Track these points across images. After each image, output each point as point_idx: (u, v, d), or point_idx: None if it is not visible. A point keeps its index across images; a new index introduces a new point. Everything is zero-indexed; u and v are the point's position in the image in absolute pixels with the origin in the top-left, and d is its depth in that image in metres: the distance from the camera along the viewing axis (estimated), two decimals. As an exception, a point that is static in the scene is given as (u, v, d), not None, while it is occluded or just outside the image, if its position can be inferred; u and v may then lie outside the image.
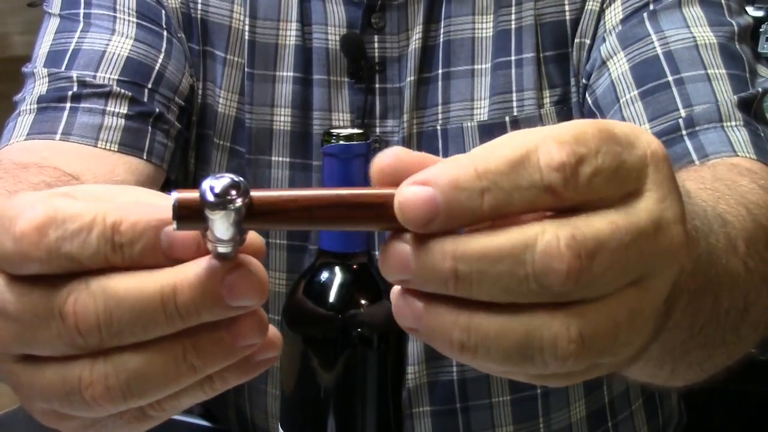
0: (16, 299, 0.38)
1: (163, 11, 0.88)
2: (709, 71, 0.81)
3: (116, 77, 0.83)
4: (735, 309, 0.55)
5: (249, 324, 0.39)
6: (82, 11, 0.87)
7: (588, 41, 0.88)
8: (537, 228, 0.36)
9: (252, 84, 0.89)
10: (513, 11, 0.88)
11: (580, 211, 0.37)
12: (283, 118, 0.89)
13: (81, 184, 0.65)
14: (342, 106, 0.89)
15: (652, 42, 0.84)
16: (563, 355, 0.36)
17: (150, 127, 0.84)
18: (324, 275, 0.57)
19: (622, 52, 0.84)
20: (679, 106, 0.80)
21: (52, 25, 0.88)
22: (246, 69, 0.89)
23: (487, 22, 0.88)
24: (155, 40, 0.87)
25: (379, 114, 0.89)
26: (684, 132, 0.79)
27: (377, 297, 0.57)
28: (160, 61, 0.86)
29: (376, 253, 0.54)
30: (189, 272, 0.37)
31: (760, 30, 1.86)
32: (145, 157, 0.83)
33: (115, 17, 0.87)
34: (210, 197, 0.35)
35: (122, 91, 0.83)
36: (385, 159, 0.38)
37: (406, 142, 0.88)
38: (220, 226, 0.36)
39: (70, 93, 0.82)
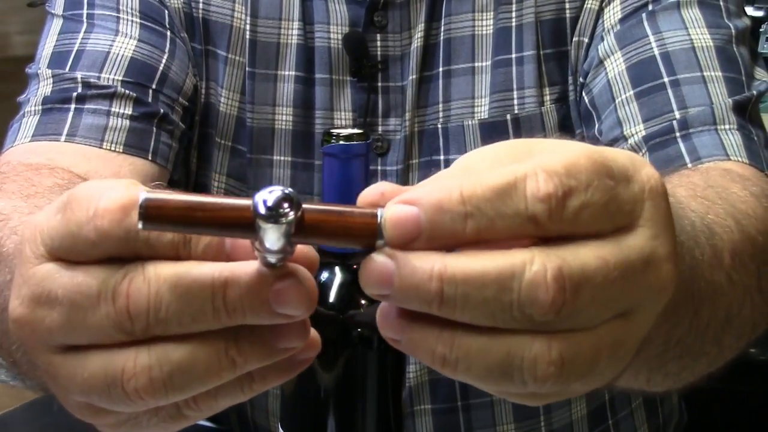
0: (69, 281, 0.38)
1: (166, 11, 0.88)
2: (705, 73, 0.81)
3: (120, 78, 0.84)
4: (716, 321, 0.55)
5: (291, 326, 0.39)
6: (85, 12, 0.87)
7: (586, 40, 0.88)
8: (526, 256, 0.36)
9: (253, 83, 0.89)
10: (513, 8, 0.88)
11: (570, 240, 0.37)
12: (284, 118, 0.89)
13: None
14: (344, 105, 0.89)
15: (650, 43, 0.83)
16: (542, 376, 0.36)
17: (155, 128, 0.84)
18: (324, 275, 0.57)
19: (619, 52, 0.84)
20: (674, 107, 0.80)
21: (55, 26, 0.88)
22: (247, 68, 0.89)
23: (487, 20, 0.88)
24: (159, 41, 0.87)
25: (382, 113, 0.89)
26: (678, 134, 0.79)
27: None
28: (163, 61, 0.86)
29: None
30: (242, 271, 0.37)
31: (760, 30, 1.86)
32: (150, 158, 0.83)
33: (118, 18, 0.87)
34: (262, 209, 0.36)
35: (126, 92, 0.83)
36: (368, 196, 0.39)
37: (408, 141, 0.88)
38: (271, 237, 0.36)
39: (74, 94, 0.83)
